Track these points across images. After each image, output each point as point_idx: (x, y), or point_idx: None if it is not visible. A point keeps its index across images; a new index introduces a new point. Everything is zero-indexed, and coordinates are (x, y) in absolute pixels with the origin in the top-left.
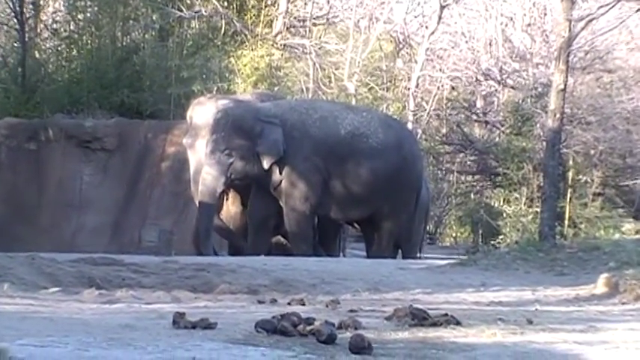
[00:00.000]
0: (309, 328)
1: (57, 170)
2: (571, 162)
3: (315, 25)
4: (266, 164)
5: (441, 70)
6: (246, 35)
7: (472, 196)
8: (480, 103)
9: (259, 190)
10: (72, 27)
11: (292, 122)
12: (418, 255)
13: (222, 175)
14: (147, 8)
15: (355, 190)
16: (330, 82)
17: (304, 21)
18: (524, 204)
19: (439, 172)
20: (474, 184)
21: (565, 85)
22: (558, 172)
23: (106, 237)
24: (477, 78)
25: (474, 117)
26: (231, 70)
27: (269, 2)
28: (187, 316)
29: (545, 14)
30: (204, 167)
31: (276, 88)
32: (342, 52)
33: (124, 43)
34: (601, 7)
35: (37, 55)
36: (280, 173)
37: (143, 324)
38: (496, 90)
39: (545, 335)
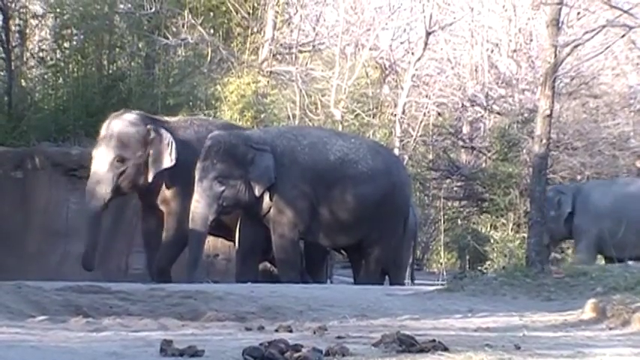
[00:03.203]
0: (296, 355)
1: (43, 198)
2: None
3: (301, 52)
4: (258, 191)
5: (427, 96)
6: (232, 62)
7: (459, 221)
8: (466, 129)
9: (248, 218)
10: (58, 55)
11: (282, 149)
12: (409, 282)
13: (214, 202)
14: (133, 36)
15: (344, 216)
16: (316, 108)
17: (290, 48)
18: (511, 229)
19: (426, 198)
20: (461, 209)
21: (551, 110)
22: (545, 198)
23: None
24: (463, 104)
25: (461, 143)
26: (217, 97)
27: (255, 30)
28: (175, 343)
29: (531, 40)
30: (194, 195)
31: (262, 115)
32: (329, 79)
33: (110, 71)
34: (586, 32)
35: (24, 84)
36: (270, 200)
37: (130, 352)
38: (482, 116)
39: None
